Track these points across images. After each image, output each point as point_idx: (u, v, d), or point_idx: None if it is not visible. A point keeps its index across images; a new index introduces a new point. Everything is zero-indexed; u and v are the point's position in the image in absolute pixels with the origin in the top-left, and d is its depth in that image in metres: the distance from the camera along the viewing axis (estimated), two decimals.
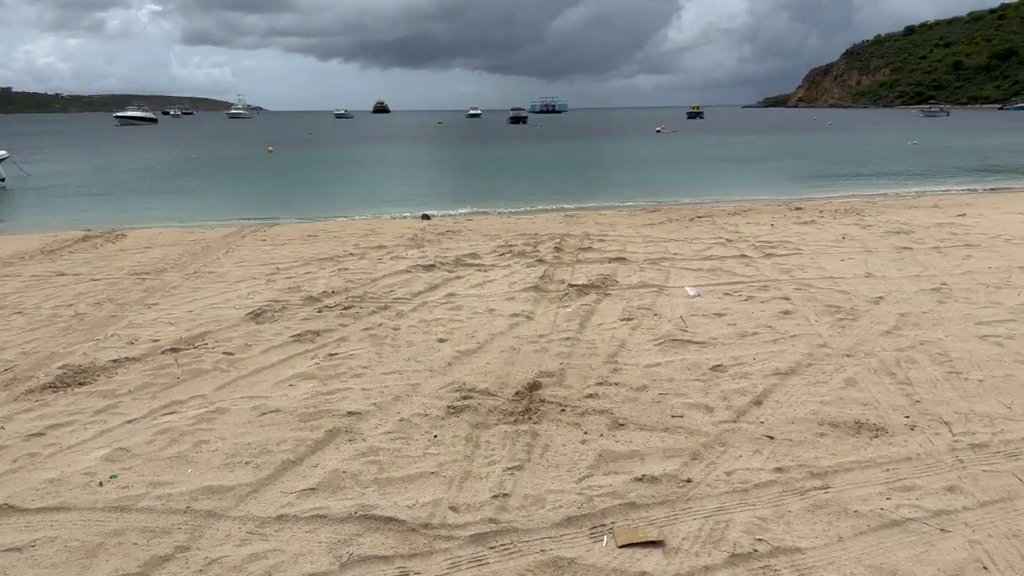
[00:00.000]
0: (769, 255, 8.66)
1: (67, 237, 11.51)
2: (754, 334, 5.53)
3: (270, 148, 47.71)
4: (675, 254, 8.85)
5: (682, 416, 4.10)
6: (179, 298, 7.09)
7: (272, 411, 4.28)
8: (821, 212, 13.04)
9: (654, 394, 4.43)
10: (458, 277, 7.77)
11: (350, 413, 4.22)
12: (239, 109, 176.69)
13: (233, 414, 4.26)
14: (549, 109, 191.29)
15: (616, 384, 4.57)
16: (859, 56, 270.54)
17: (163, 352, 5.38)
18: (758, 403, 4.27)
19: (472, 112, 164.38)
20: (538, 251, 9.20)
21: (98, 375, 4.93)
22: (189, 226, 14.32)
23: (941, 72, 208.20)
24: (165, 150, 47.18)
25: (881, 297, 6.59)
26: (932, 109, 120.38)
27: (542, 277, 7.55)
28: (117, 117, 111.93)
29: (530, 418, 4.10)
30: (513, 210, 17.10)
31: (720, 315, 6.06)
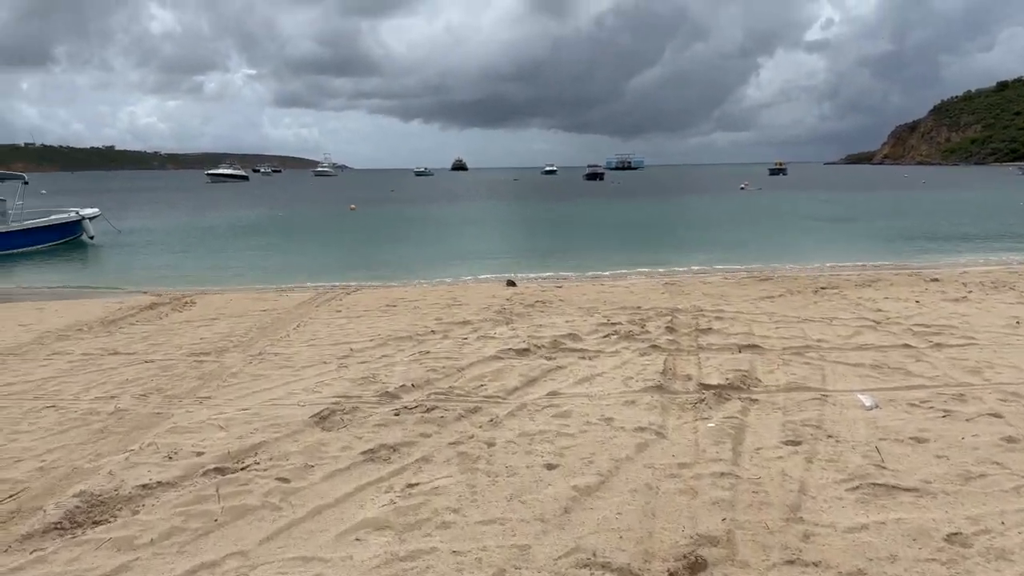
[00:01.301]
0: (938, 346, 7.04)
1: (134, 304, 10.91)
2: (982, 476, 4.01)
3: (352, 206, 48.33)
4: (818, 341, 7.34)
5: None
6: (237, 389, 6.08)
7: None
8: (966, 286, 11.21)
9: None
10: (559, 367, 6.51)
11: None
12: (325, 167, 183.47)
13: None
14: (625, 166, 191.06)
15: (815, 566, 3.16)
16: (948, 112, 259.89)
17: (204, 473, 4.29)
18: None
19: (548, 169, 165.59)
20: (647, 331, 7.86)
21: (119, 509, 3.87)
22: (265, 289, 13.68)
23: None
24: (252, 207, 48.43)
25: None
26: None
27: (663, 372, 6.19)
28: (208, 175, 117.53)
29: None
30: (602, 274, 15.86)
31: (920, 440, 4.55)
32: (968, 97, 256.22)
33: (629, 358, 6.73)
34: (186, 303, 11.10)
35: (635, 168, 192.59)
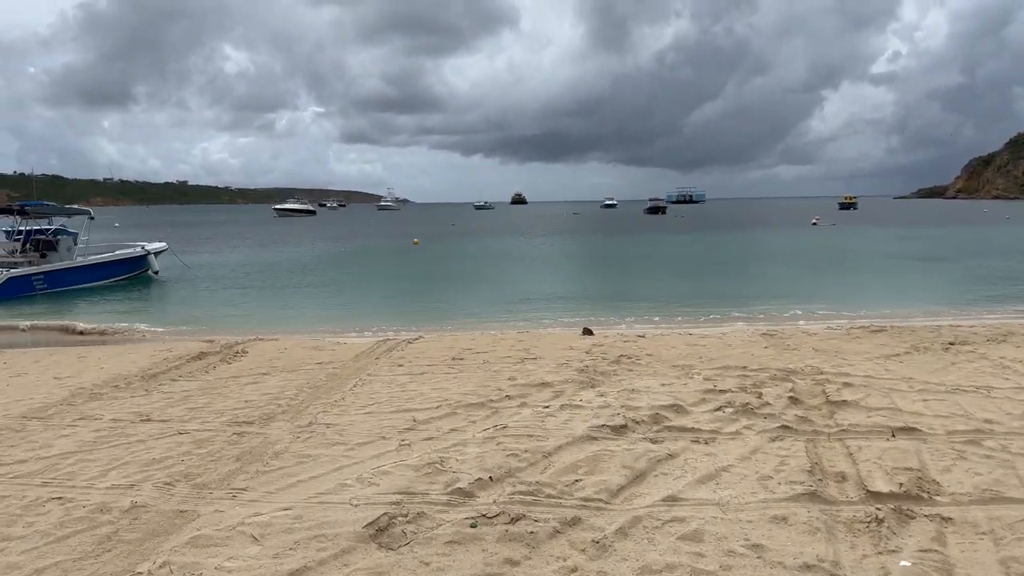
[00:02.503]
0: None
1: (182, 353, 10.13)
2: None
3: (415, 240, 48.09)
4: (987, 421, 5.87)
5: None
6: (279, 477, 5.02)
7: None
8: None
9: None
10: (669, 455, 5.24)
11: None
12: (388, 202, 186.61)
13: None
14: (686, 200, 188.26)
15: None
16: None
17: None
18: None
19: (608, 203, 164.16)
20: (766, 403, 6.52)
21: None
22: (323, 335, 12.82)
23: None
24: (316, 242, 48.65)
25: None
26: None
27: (811, 470, 4.85)
28: (276, 209, 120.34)
29: None
30: (685, 319, 14.48)
31: None
32: None
33: (757, 444, 5.41)
34: (237, 353, 10.26)
35: (696, 202, 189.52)
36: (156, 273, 24.75)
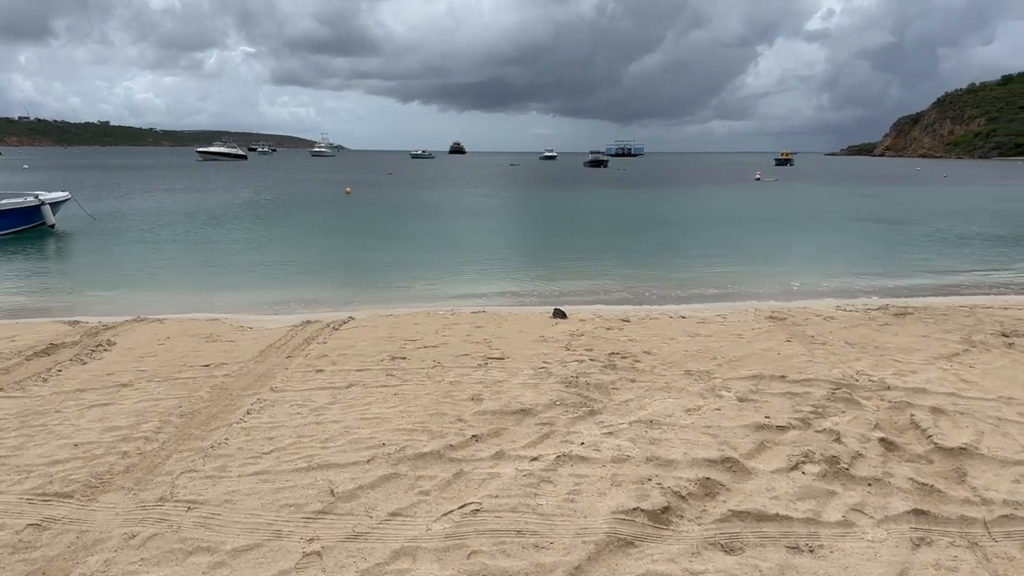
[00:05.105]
0: None
1: (27, 343, 7.57)
2: None
3: (348, 189, 44.73)
4: None
5: None
6: None
7: None
8: None
9: None
10: (756, 570, 3.13)
11: None
12: (322, 147, 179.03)
13: None
14: (625, 153, 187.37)
15: None
16: (951, 105, 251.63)
17: None
18: None
19: (547, 154, 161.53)
20: (856, 452, 4.47)
21: None
22: (227, 312, 10.26)
23: None
24: (242, 190, 44.70)
25: None
26: None
27: None
28: (200, 153, 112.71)
29: None
30: (661, 290, 12.47)
31: None
32: (972, 90, 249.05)
33: (895, 556, 3.34)
34: (100, 344, 7.67)
35: (635, 155, 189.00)
36: (53, 227, 21.32)
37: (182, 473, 4.35)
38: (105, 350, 7.51)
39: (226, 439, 4.88)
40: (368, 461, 4.46)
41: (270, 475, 4.32)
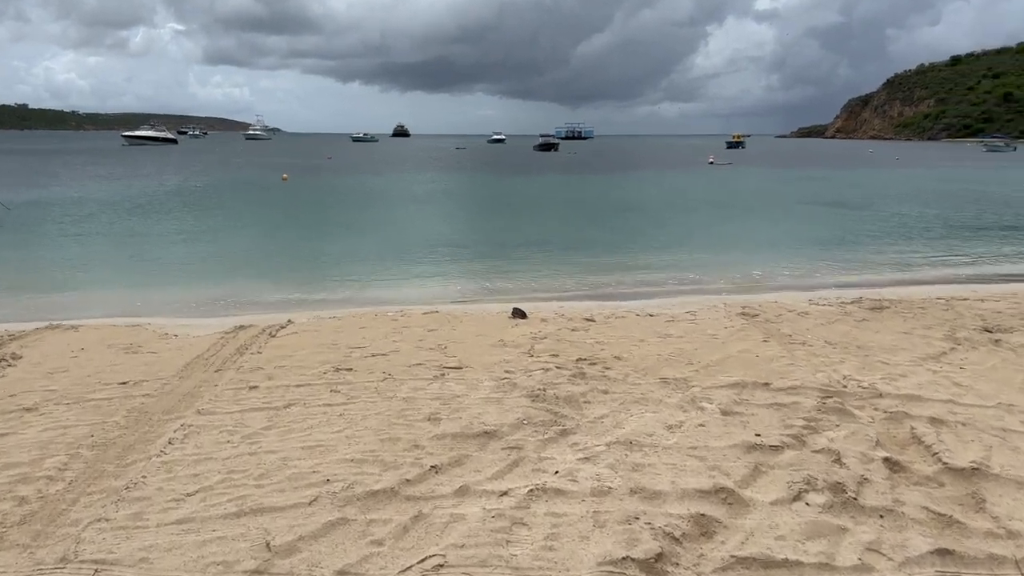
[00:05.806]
0: None
1: None
2: None
3: (284, 176, 43.06)
4: None
5: None
6: None
7: None
8: None
9: None
10: None
11: None
12: (257, 130, 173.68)
13: None
14: (575, 136, 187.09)
15: None
16: (901, 86, 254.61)
17: None
18: None
19: (496, 137, 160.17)
20: (861, 476, 4.05)
21: None
22: (149, 316, 9.37)
23: (991, 104, 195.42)
24: (170, 177, 42.60)
25: None
26: (996, 143, 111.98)
27: None
28: (126, 137, 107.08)
29: None
30: (621, 283, 12.07)
31: None
32: (921, 71, 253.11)
33: None
34: (3, 359, 6.77)
35: (585, 138, 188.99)
36: None
37: (90, 523, 3.64)
38: (9, 365, 6.63)
39: (143, 477, 4.17)
40: (310, 503, 3.83)
41: (194, 523, 3.65)
